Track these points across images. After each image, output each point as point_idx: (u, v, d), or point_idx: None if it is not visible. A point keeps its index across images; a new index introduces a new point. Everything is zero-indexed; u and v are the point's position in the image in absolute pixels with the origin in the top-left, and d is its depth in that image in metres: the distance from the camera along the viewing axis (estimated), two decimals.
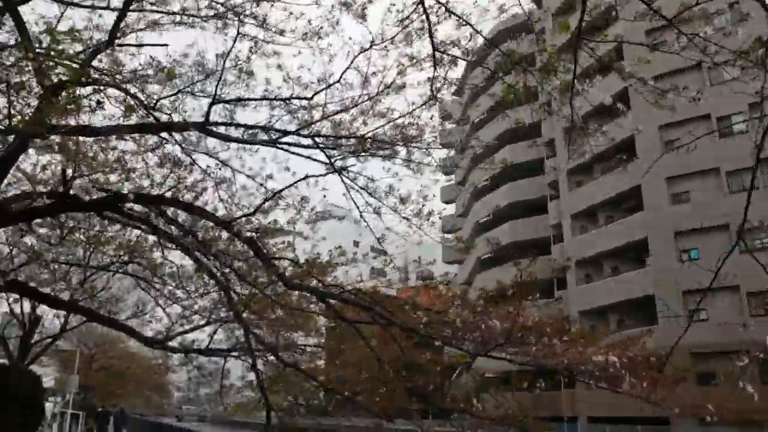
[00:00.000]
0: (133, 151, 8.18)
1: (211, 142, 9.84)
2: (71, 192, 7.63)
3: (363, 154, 7.87)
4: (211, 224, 10.29)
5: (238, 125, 8.03)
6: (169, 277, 11.94)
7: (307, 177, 8.09)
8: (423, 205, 9.21)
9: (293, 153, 8.38)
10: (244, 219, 8.11)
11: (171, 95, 8.46)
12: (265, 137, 8.38)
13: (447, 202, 61.17)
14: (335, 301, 8.08)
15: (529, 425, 6.96)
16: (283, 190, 7.94)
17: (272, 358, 12.02)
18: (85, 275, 12.99)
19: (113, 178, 9.20)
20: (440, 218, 10.81)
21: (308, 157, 8.19)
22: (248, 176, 9.58)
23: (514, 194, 49.93)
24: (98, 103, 7.09)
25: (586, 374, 6.59)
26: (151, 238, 11.39)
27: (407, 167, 9.20)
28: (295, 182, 7.89)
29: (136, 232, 11.59)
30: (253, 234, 7.87)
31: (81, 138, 7.45)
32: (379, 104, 8.46)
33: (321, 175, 8.06)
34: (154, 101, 8.48)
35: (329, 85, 7.65)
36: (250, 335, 8.38)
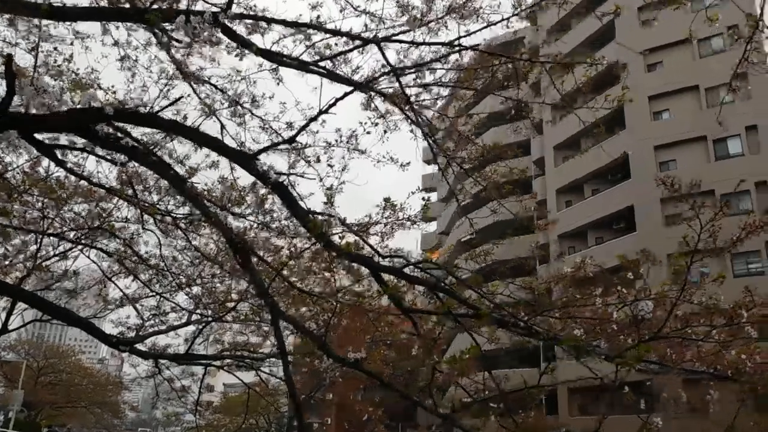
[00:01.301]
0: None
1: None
2: (22, 104, 5.18)
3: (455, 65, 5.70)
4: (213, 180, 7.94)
5: (272, 20, 5.70)
6: (146, 260, 9.45)
7: (371, 80, 5.73)
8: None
9: (335, 79, 6.13)
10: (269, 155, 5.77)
11: None
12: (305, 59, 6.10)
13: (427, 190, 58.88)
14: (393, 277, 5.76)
15: None
16: (335, 103, 5.54)
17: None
18: (38, 253, 10.31)
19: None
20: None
21: (360, 84, 5.91)
22: (263, 120, 7.27)
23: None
24: None
25: None
26: (124, 205, 8.91)
27: None
28: (350, 92, 5.54)
29: (113, 202, 9.11)
30: (284, 176, 5.53)
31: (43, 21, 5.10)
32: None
33: (385, 74, 5.71)
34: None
35: None
36: (281, 320, 5.86)
